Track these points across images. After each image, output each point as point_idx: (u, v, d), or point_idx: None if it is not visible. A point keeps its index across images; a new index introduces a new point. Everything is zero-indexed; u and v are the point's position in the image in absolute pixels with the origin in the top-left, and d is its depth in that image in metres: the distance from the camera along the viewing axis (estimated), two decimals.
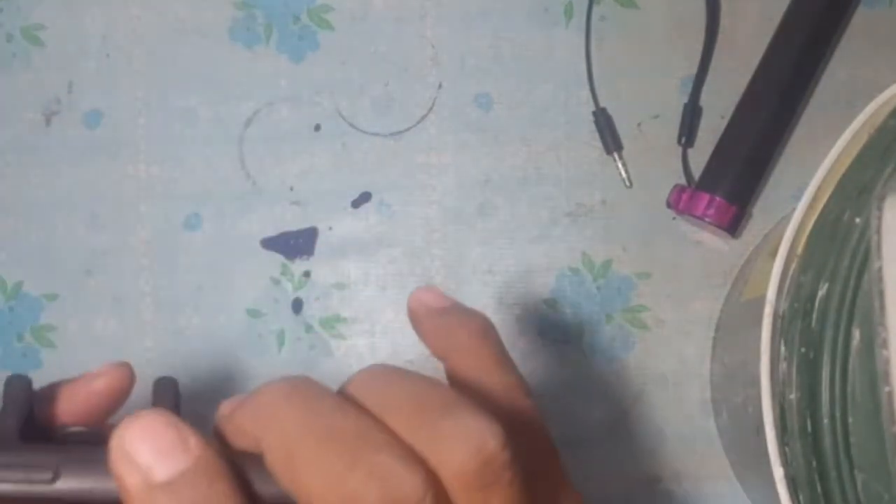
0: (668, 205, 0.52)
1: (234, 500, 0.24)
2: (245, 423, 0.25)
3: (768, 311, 0.35)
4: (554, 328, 0.52)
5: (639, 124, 0.53)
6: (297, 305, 0.53)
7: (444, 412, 0.24)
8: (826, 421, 0.33)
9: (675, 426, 0.52)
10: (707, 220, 0.50)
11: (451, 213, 0.53)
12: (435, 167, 0.53)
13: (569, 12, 0.53)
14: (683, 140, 0.52)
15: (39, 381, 0.31)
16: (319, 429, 0.24)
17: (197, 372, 0.53)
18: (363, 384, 0.26)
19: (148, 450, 0.24)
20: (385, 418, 0.24)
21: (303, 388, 0.25)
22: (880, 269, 0.32)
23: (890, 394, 0.31)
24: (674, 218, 0.52)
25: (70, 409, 0.31)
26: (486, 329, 0.30)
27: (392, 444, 0.24)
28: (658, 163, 0.53)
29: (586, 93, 0.53)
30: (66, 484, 0.25)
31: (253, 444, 0.25)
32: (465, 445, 0.23)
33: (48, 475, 0.25)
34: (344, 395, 0.25)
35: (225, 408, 0.27)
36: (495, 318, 0.52)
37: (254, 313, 0.53)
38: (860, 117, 0.36)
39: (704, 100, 0.53)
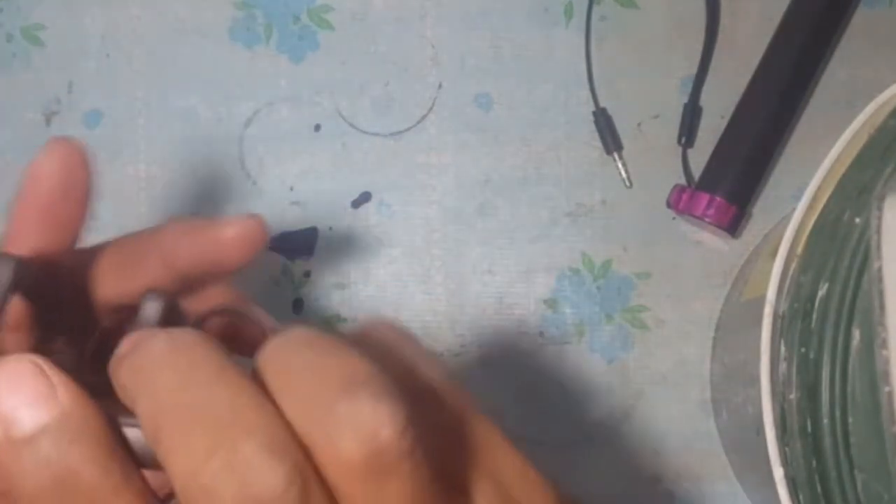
0: (668, 205, 0.52)
1: (97, 464, 0.22)
2: (124, 380, 0.23)
3: (768, 311, 0.35)
4: (554, 328, 0.52)
5: (639, 124, 0.53)
6: (298, 305, 0.53)
7: (341, 393, 0.21)
8: (826, 421, 0.33)
9: (675, 426, 0.52)
10: (707, 220, 0.50)
11: (451, 213, 0.53)
12: (435, 167, 0.53)
13: (569, 12, 0.53)
14: (683, 140, 0.52)
15: None
16: (190, 403, 0.21)
17: None
18: (271, 355, 0.23)
19: (11, 401, 0.22)
20: (280, 397, 0.22)
21: (187, 348, 0.23)
22: (880, 269, 0.32)
23: (890, 394, 0.31)
24: (674, 218, 0.52)
25: (27, 220, 0.29)
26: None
27: (264, 427, 0.21)
28: (658, 163, 0.53)
29: (586, 93, 0.53)
30: None
31: (132, 405, 0.23)
32: (354, 433, 0.21)
33: None
34: (253, 367, 0.23)
35: (125, 346, 0.24)
36: (495, 318, 0.52)
37: None
38: (860, 117, 0.36)
39: (704, 100, 0.53)
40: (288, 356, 0.23)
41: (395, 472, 0.21)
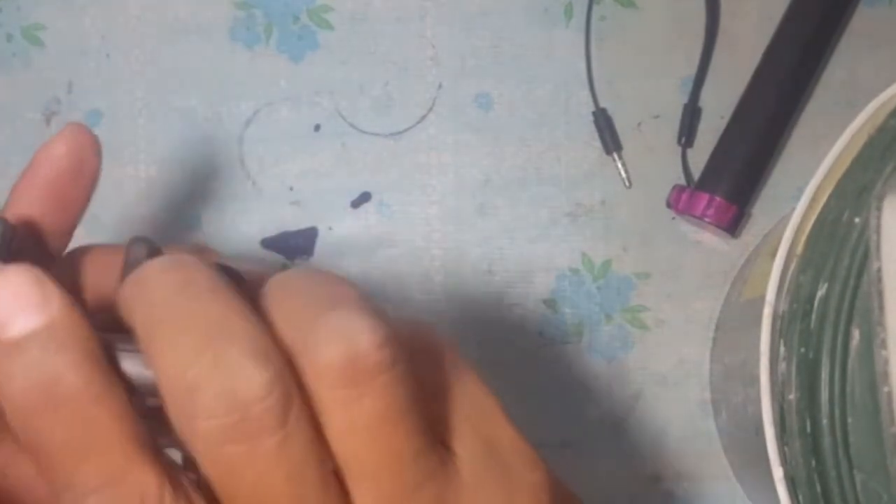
0: (668, 205, 0.52)
1: (80, 372, 0.23)
2: (125, 295, 0.24)
3: (768, 311, 0.35)
4: (554, 328, 0.52)
5: (639, 124, 0.53)
6: None
7: (327, 308, 0.23)
8: (825, 421, 0.33)
9: (675, 426, 0.52)
10: (707, 220, 0.50)
11: (451, 213, 0.53)
12: (435, 167, 0.53)
13: (569, 12, 0.53)
14: (683, 140, 0.52)
15: None
16: (182, 312, 0.23)
17: None
18: (273, 283, 0.24)
19: (4, 305, 0.23)
20: (272, 313, 0.23)
21: (183, 266, 0.24)
22: (879, 269, 0.32)
23: (889, 394, 0.31)
24: (674, 218, 0.52)
25: (31, 195, 0.30)
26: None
27: (251, 337, 0.22)
28: (658, 163, 0.53)
29: (586, 93, 0.53)
30: None
31: (129, 318, 0.24)
32: (333, 341, 0.22)
33: None
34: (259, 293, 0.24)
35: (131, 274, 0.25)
36: (495, 318, 0.52)
37: None
38: (860, 117, 0.36)
39: (704, 100, 0.53)
40: (286, 283, 0.24)
41: (370, 383, 0.22)
